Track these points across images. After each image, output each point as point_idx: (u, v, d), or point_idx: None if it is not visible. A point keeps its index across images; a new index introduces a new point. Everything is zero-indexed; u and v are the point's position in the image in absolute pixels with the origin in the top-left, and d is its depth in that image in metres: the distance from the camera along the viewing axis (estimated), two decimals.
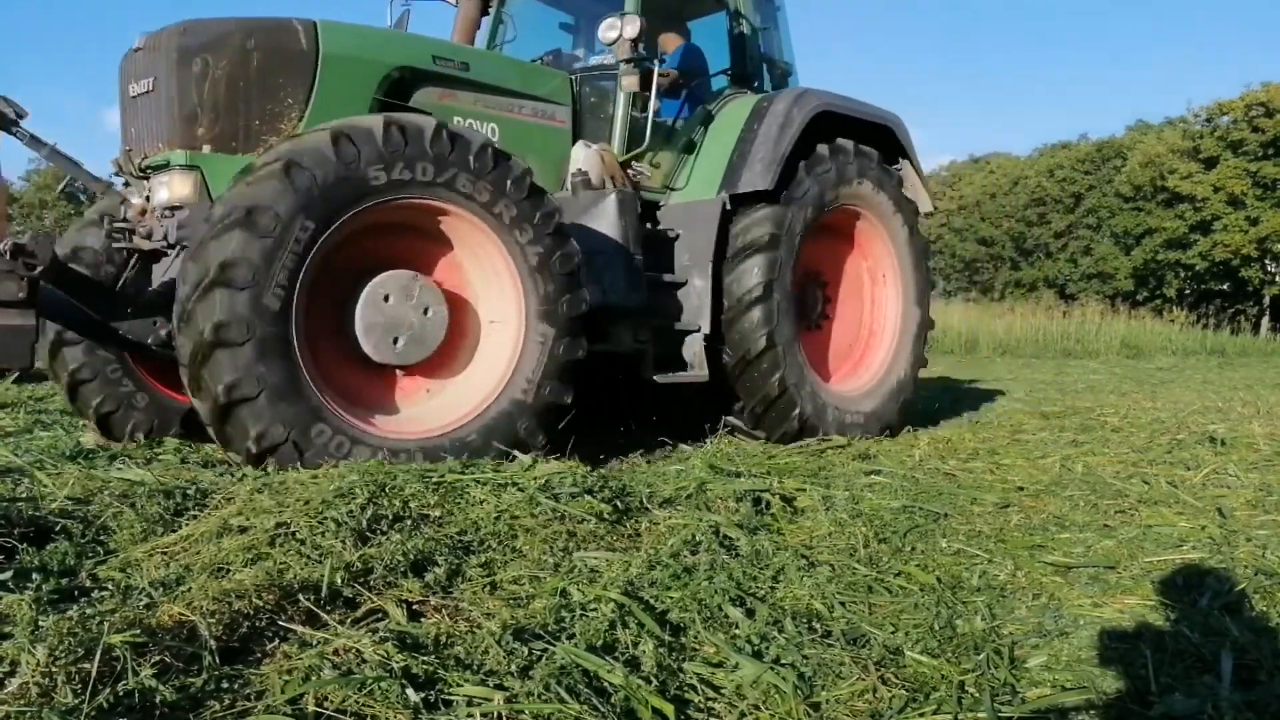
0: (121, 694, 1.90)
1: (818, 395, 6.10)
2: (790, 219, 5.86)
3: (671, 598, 2.66)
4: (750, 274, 5.75)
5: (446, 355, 4.60)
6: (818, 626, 2.59)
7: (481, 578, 2.78)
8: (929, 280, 7.05)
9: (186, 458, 4.68)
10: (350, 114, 4.48)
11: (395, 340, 4.34)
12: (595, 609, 2.51)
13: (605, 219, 5.32)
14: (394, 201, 4.19)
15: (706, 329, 5.66)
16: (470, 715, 1.94)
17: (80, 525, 3.11)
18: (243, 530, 3.00)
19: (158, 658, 2.05)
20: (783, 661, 2.31)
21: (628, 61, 5.56)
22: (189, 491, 3.57)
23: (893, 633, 2.59)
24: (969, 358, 20.59)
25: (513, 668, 2.14)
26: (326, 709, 1.92)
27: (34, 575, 2.54)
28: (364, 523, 3.05)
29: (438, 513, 3.30)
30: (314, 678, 2.03)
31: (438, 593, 2.64)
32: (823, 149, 6.12)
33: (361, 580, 2.64)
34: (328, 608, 2.45)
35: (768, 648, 2.38)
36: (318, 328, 4.25)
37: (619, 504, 3.51)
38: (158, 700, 1.92)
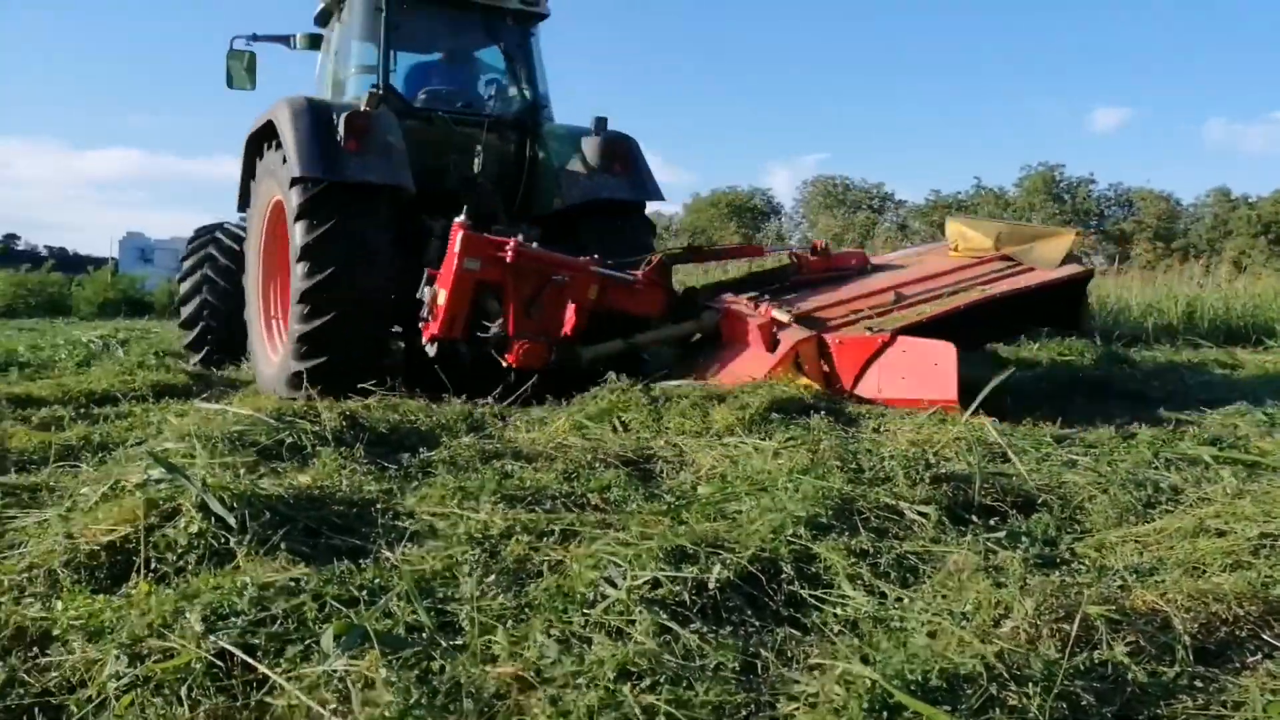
0: (1096, 662, 2.03)
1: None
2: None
3: None
4: None
5: None
6: None
7: None
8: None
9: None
10: None
11: None
12: None
13: None
14: None
15: None
16: None
17: (1059, 502, 3.39)
18: (1220, 534, 2.87)
19: (1130, 638, 2.12)
20: None
21: None
22: (1161, 485, 3.56)
23: None
24: None
25: None
26: None
27: (1022, 539, 2.89)
28: None
29: None
30: None
31: None
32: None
33: None
34: None
35: None
36: None
37: None
38: (1129, 678, 1.99)
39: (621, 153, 6.91)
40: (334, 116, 6.13)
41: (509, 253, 5.47)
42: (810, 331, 5.39)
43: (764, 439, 4.15)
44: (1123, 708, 1.89)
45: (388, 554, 2.73)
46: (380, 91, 6.57)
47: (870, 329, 5.28)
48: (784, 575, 2.53)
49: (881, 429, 4.51)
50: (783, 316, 5.50)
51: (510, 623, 2.21)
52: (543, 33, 7.70)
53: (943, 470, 3.52)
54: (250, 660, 1.97)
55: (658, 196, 6.99)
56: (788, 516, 2.88)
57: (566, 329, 5.77)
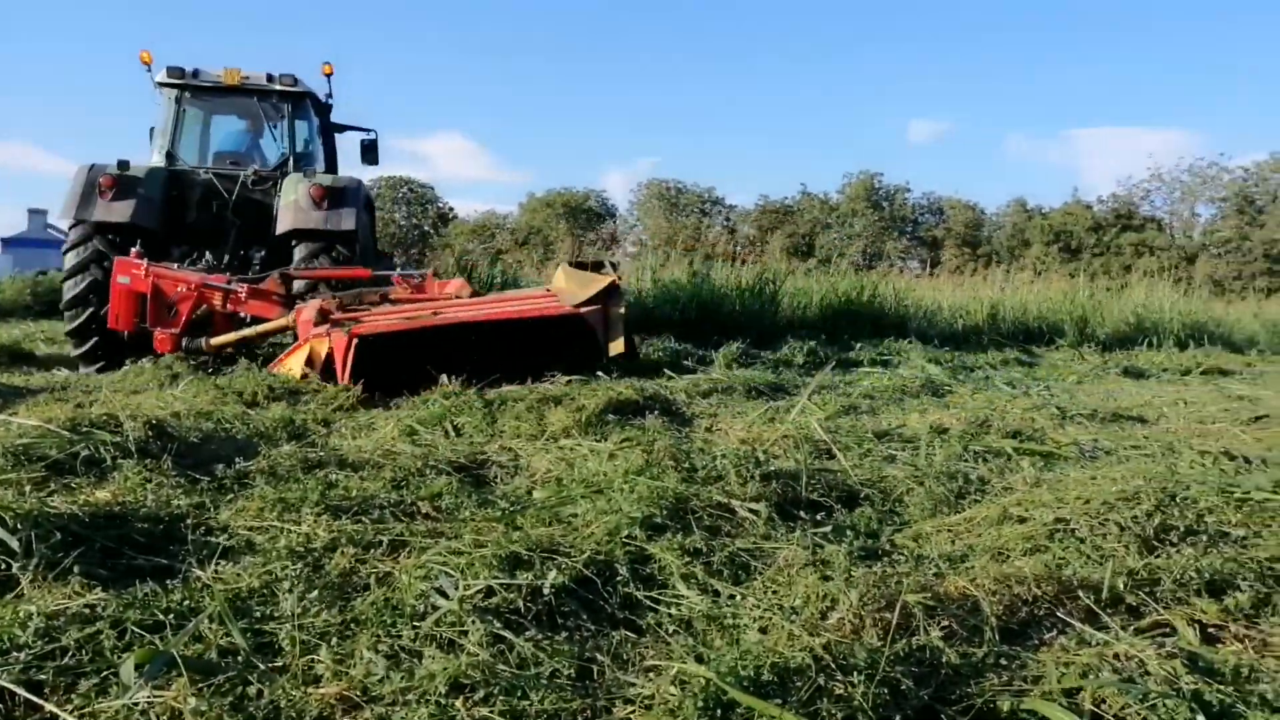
0: (914, 647, 2.13)
1: None
2: None
3: None
4: None
5: None
6: None
7: None
8: None
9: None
10: None
11: None
12: None
13: None
14: None
15: None
16: None
17: (880, 495, 3.56)
18: (1021, 520, 3.09)
19: (945, 623, 2.24)
20: None
21: None
22: (970, 476, 3.80)
23: None
24: None
25: None
26: (1104, 711, 1.88)
27: (847, 532, 3.02)
28: (1150, 531, 2.88)
29: (1240, 532, 2.93)
30: (1091, 676, 2.00)
31: (1239, 620, 2.35)
32: None
33: (1146, 590, 2.49)
34: (1108, 610, 2.38)
35: None
36: None
37: None
38: (944, 660, 2.10)
39: (326, 194, 8.82)
40: (99, 177, 8.48)
41: (142, 271, 7.40)
42: (324, 329, 6.54)
43: (600, 440, 4.15)
44: (938, 689, 1.99)
45: (199, 573, 2.54)
46: (129, 158, 9.26)
47: (347, 332, 6.30)
48: (619, 577, 2.53)
49: (714, 428, 4.61)
50: (311, 316, 6.75)
51: (335, 640, 2.10)
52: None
53: (772, 468, 3.63)
54: (35, 699, 1.78)
55: (346, 228, 8.81)
56: (623, 518, 2.88)
57: (210, 325, 7.77)
